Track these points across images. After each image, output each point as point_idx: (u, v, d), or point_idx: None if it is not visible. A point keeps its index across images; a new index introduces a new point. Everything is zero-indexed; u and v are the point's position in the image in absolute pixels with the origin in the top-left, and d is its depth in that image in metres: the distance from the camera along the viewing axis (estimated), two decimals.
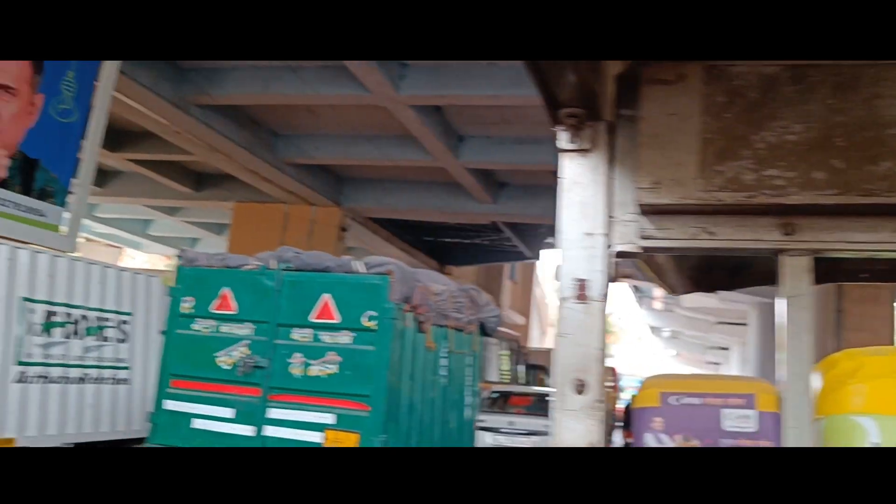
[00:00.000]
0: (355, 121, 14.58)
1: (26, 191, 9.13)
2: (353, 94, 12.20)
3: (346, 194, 19.72)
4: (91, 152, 10.01)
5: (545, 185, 17.88)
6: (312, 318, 6.56)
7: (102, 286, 8.54)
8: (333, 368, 6.41)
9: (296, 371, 6.53)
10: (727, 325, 28.51)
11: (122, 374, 8.66)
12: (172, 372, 6.98)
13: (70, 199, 9.78)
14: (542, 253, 35.12)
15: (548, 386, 20.21)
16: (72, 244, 9.69)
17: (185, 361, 6.95)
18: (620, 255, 2.08)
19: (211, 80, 12.80)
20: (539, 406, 12.68)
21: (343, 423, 6.29)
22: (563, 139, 2.09)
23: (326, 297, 6.55)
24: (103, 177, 20.44)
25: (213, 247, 26.02)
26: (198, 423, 6.73)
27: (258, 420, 6.55)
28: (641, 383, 7.60)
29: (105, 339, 8.44)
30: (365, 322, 6.38)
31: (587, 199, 2.07)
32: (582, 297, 2.01)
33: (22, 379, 7.47)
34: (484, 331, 8.76)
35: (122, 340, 8.69)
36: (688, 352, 47.38)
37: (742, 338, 30.32)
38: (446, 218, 20.80)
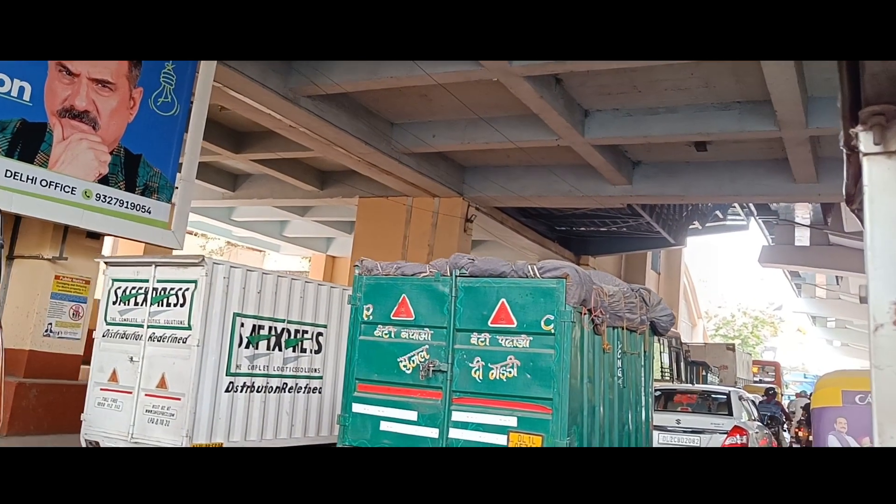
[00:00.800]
0: (471, 102, 14.03)
1: (130, 187, 9.45)
2: (463, 71, 11.78)
3: (468, 183, 19.02)
4: (193, 145, 10.14)
5: (683, 161, 17.14)
6: (490, 323, 6.69)
7: (302, 300, 9.22)
8: (513, 372, 6.51)
9: (476, 375, 6.68)
10: None
11: (315, 383, 9.40)
12: (358, 377, 7.32)
13: (175, 194, 10.08)
14: (688, 239, 33.92)
15: (710, 383, 19.52)
16: (180, 240, 10.07)
17: (370, 366, 7.27)
18: None
19: (317, 70, 12.66)
20: (704, 404, 12.45)
21: (525, 426, 6.38)
22: (866, 141, 1.87)
23: (503, 302, 6.65)
24: (234, 180, 21.86)
25: (345, 245, 26.80)
26: (385, 426, 7.03)
27: (442, 422, 6.75)
28: (818, 381, 7.21)
29: (303, 350, 9.08)
30: (543, 326, 6.44)
31: None
32: None
33: (231, 388, 8.15)
34: (655, 330, 8.60)
35: (318, 351, 9.33)
36: (856, 342, 43.97)
37: None
38: (576, 203, 19.54)
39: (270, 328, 8.66)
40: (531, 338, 6.50)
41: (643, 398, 8.29)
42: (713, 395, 12.62)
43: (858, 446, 6.71)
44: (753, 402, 13.48)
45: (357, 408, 7.23)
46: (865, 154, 1.81)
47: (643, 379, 8.32)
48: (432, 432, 6.78)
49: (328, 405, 9.44)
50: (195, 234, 33.30)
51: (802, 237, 23.20)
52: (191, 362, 8.12)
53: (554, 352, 6.35)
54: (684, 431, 11.04)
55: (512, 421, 6.45)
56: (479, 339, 6.75)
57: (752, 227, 28.17)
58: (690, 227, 26.63)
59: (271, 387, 8.65)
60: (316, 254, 31.42)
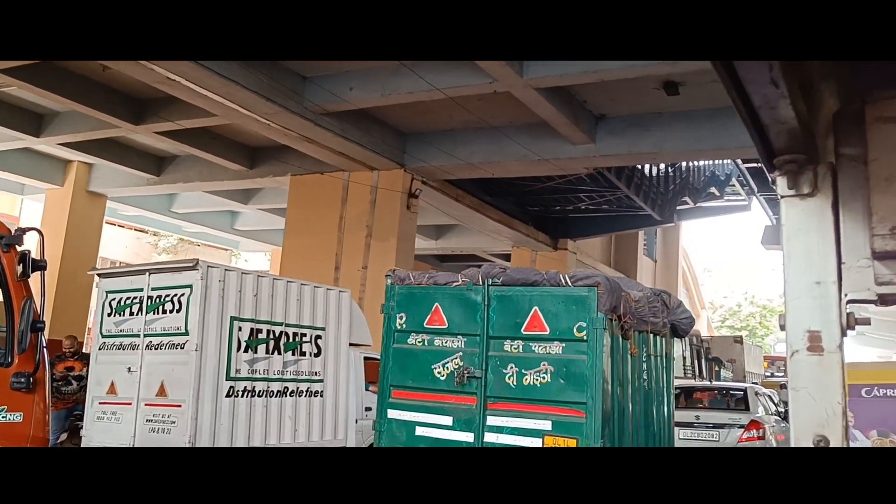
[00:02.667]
0: None
1: None
2: None
3: (410, 152, 16.20)
4: None
5: (654, 112, 14.61)
6: (523, 331, 6.92)
7: (299, 302, 9.24)
8: (547, 377, 6.74)
9: (510, 381, 6.91)
10: None
11: (316, 386, 9.41)
12: (393, 383, 7.54)
13: None
14: (685, 224, 31.54)
15: (724, 379, 19.77)
16: None
17: (404, 373, 7.50)
18: (854, 302, 2.03)
19: None
20: (722, 400, 12.77)
21: (560, 429, 6.62)
22: (781, 185, 2.10)
23: (536, 310, 6.88)
24: (158, 163, 19.72)
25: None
26: (420, 431, 7.26)
27: (477, 427, 6.98)
28: None
29: (303, 353, 9.16)
30: (575, 332, 6.67)
31: (814, 245, 2.02)
32: (815, 348, 1.95)
33: (231, 393, 8.24)
34: (675, 332, 8.84)
35: (317, 354, 9.41)
36: (873, 331, 43.33)
37: None
38: (534, 169, 16.57)
39: (269, 331, 8.69)
40: (564, 344, 6.73)
41: (665, 398, 8.53)
42: (731, 392, 12.91)
43: (864, 440, 6.96)
44: (771, 397, 13.78)
45: (392, 414, 7.46)
46: (783, 197, 2.00)
47: (665, 380, 8.56)
48: (467, 436, 7.02)
49: (330, 408, 9.49)
50: (146, 232, 31.68)
51: None
52: (190, 367, 8.05)
53: (586, 357, 6.59)
54: (703, 427, 11.36)
55: (546, 424, 6.68)
56: (512, 346, 6.97)
57: (754, 207, 27.30)
58: (682, 205, 24.93)
59: (272, 391, 8.66)
60: (276, 248, 27.47)
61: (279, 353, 8.82)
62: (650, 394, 7.94)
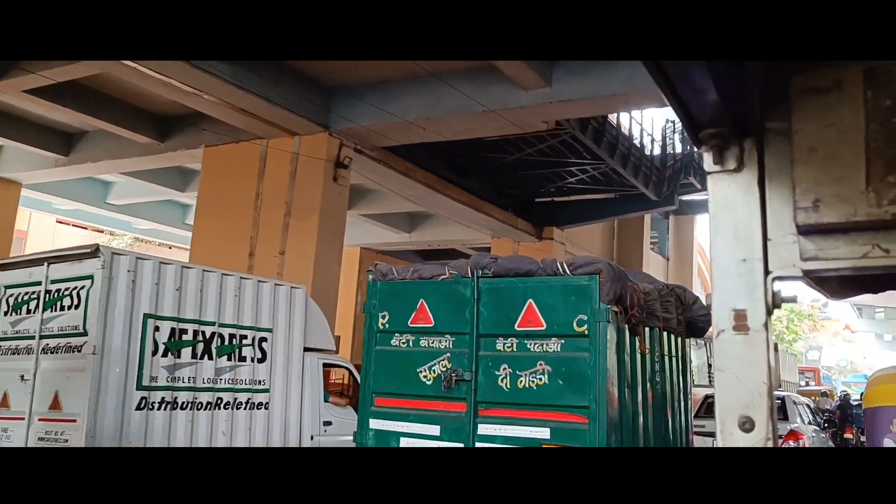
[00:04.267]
0: None
1: None
2: None
3: (337, 111, 13.61)
4: None
5: None
6: (517, 327, 6.14)
7: (238, 299, 8.01)
8: (544, 379, 5.95)
9: (503, 383, 6.12)
10: None
11: (260, 397, 8.11)
12: (375, 390, 6.78)
13: None
14: (690, 209, 28.67)
15: None
16: None
17: (387, 378, 6.73)
18: (780, 280, 1.95)
19: None
20: None
21: (560, 437, 5.80)
22: (707, 161, 1.99)
23: (531, 303, 6.10)
24: (67, 141, 17.42)
25: None
26: (405, 442, 6.48)
27: (467, 436, 6.19)
28: (870, 378, 6.58)
29: (242, 358, 7.94)
30: (575, 327, 5.88)
31: (740, 222, 1.93)
32: (741, 327, 1.87)
33: (144, 405, 7.04)
34: (692, 331, 8.00)
35: (261, 360, 8.18)
36: None
37: None
38: (485, 127, 13.47)
39: (196, 332, 7.42)
40: (563, 341, 5.94)
41: (683, 403, 7.68)
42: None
43: None
44: (809, 406, 13.38)
45: (374, 424, 6.68)
46: (708, 173, 1.93)
47: (682, 383, 7.72)
48: (457, 447, 6.22)
49: (278, 423, 8.28)
50: (102, 232, 28.96)
51: None
52: (87, 375, 6.75)
53: (588, 355, 5.79)
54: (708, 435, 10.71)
55: (544, 432, 5.88)
56: (505, 344, 6.19)
57: None
58: (691, 191, 22.48)
59: (201, 402, 7.42)
60: None
61: (210, 358, 7.51)
62: (664, 399, 7.10)
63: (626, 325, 6.21)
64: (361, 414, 6.81)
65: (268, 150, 14.05)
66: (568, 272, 6.01)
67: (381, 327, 6.83)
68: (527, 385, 6.00)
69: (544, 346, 6.00)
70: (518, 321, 6.14)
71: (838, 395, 25.00)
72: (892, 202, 1.72)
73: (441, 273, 6.64)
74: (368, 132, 13.54)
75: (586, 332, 5.82)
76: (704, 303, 8.08)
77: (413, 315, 6.67)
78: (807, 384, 28.86)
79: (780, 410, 11.74)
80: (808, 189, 1.80)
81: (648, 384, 6.67)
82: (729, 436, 1.78)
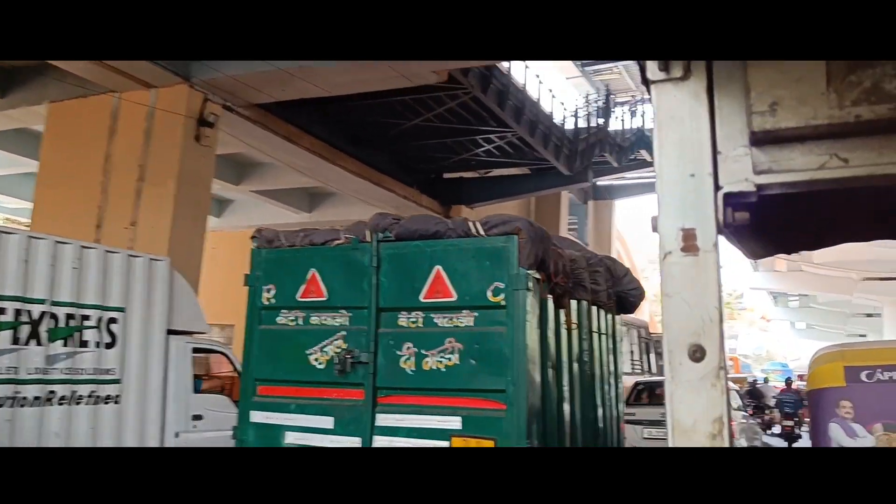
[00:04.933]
0: None
1: None
2: None
3: (200, 60, 11.44)
4: None
5: None
6: (423, 298, 5.20)
7: (77, 272, 6.70)
8: (454, 359, 5.02)
9: (406, 365, 5.17)
10: (879, 280, 23.61)
11: (108, 389, 6.81)
12: (258, 377, 5.74)
13: None
14: (610, 194, 27.19)
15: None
16: None
17: (272, 363, 5.70)
18: (730, 196, 1.74)
19: None
20: None
21: (473, 428, 4.89)
22: (651, 69, 1.78)
23: (438, 270, 5.17)
24: None
25: None
26: (292, 437, 5.46)
27: (365, 429, 5.22)
28: (813, 357, 5.86)
29: (83, 343, 6.65)
30: (490, 297, 4.97)
31: (687, 134, 1.74)
32: (690, 248, 1.67)
33: None
34: (623, 307, 7.22)
35: (110, 345, 6.89)
36: (823, 322, 42.97)
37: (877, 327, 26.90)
38: (367, 79, 11.87)
39: (18, 312, 6.15)
40: (476, 313, 5.03)
41: (614, 388, 6.89)
42: None
43: (867, 436, 5.39)
44: (738, 391, 13.41)
45: (256, 417, 5.64)
46: (653, 82, 1.76)
47: (612, 365, 6.93)
48: (353, 442, 5.25)
49: (133, 420, 7.03)
50: None
51: None
52: None
53: (506, 329, 4.89)
54: (654, 424, 10.27)
55: (455, 422, 4.95)
56: (409, 319, 5.24)
57: None
58: (602, 165, 20.92)
59: (24, 397, 6.14)
60: None
61: (39, 344, 6.25)
62: (593, 382, 6.29)
63: (550, 296, 5.34)
64: (242, 405, 5.76)
65: (120, 104, 11.95)
66: (482, 232, 5.09)
67: (266, 303, 5.79)
68: (434, 366, 5.07)
69: (454, 320, 5.08)
70: (424, 292, 5.20)
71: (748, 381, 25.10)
72: (855, 103, 1.59)
73: (335, 238, 5.64)
74: (237, 84, 11.72)
75: (503, 303, 4.92)
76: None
77: (303, 288, 5.66)
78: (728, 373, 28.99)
79: None
80: (763, 92, 1.67)
81: (576, 365, 5.83)
82: (678, 366, 1.63)
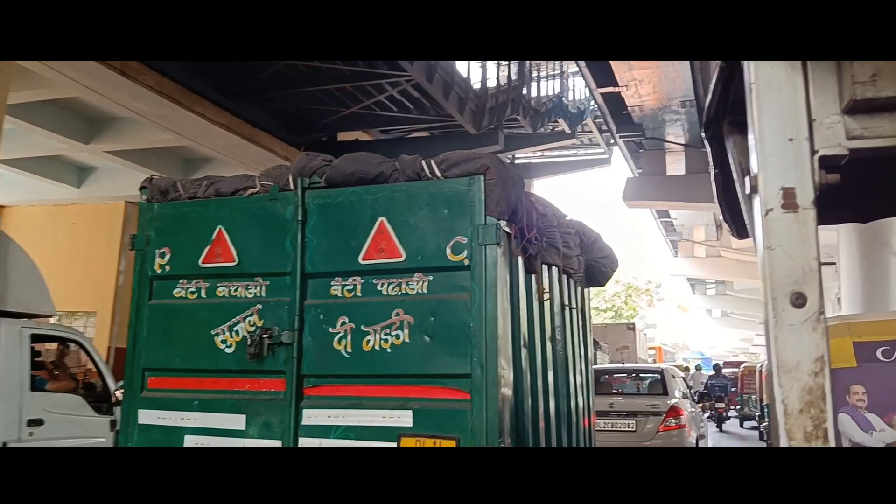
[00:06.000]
0: None
1: None
2: None
3: None
4: None
5: None
6: (362, 260, 4.05)
7: None
8: (403, 336, 3.89)
9: (341, 346, 4.01)
10: None
11: None
12: (148, 366, 4.48)
13: None
14: (527, 172, 24.44)
15: (601, 363, 17.47)
16: None
17: (167, 348, 4.45)
18: (825, 159, 1.85)
19: None
20: (636, 385, 11.19)
21: (428, 425, 3.78)
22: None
23: (382, 223, 4.03)
24: None
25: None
26: (193, 442, 4.24)
27: (286, 430, 4.04)
28: None
29: None
30: (450, 255, 3.86)
31: (785, 102, 1.86)
32: (790, 205, 1.80)
33: None
34: (592, 279, 6.22)
35: None
36: (738, 310, 43.57)
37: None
38: None
39: None
40: (431, 277, 3.92)
41: (584, 374, 5.87)
42: (646, 375, 11.25)
43: (885, 428, 4.38)
44: (684, 379, 12.83)
45: (146, 417, 4.38)
46: None
47: (583, 346, 5.91)
48: (271, 445, 4.06)
49: None
50: None
51: (677, 164, 18.55)
52: None
53: (470, 296, 3.79)
54: (619, 416, 9.47)
55: (404, 417, 3.83)
56: (344, 287, 4.09)
57: (616, 162, 23.21)
58: (514, 128, 18.98)
59: None
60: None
61: None
62: (566, 366, 5.25)
63: (522, 255, 4.25)
64: (127, 403, 4.48)
65: None
66: (437, 173, 3.97)
67: (159, 270, 4.53)
68: (377, 346, 3.93)
69: (403, 286, 3.95)
70: (364, 251, 4.05)
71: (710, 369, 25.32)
72: None
73: (248, 186, 4.42)
74: None
75: (466, 262, 3.82)
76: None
77: (207, 250, 4.43)
78: (653, 361, 28.73)
79: (660, 385, 10.88)
80: (865, 63, 1.80)
81: (549, 345, 4.77)
82: (781, 312, 1.77)
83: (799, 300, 1.77)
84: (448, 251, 3.86)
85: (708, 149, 2.74)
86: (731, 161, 2.49)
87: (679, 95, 14.70)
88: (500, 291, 3.80)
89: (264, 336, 4.11)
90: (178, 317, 4.46)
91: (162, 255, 4.53)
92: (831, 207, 2.80)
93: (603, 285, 6.54)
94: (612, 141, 19.64)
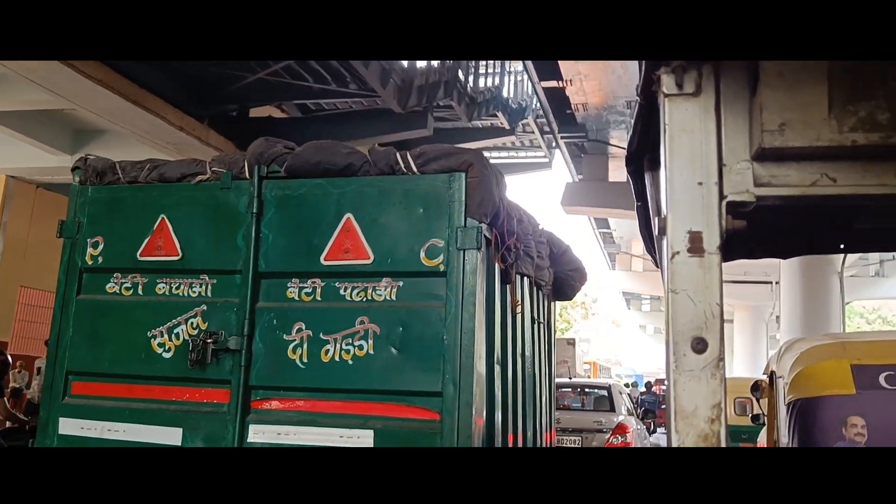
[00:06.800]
0: None
1: None
2: None
3: None
4: None
5: None
6: (324, 260, 3.63)
7: None
8: (367, 347, 3.50)
9: (296, 355, 3.59)
10: (732, 283, 23.88)
11: None
12: (72, 369, 3.96)
13: None
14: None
15: None
16: None
17: (95, 349, 3.94)
18: (733, 205, 1.92)
19: None
20: (583, 400, 11.14)
21: (391, 444, 3.38)
22: (667, 83, 1.90)
23: (349, 220, 3.62)
24: None
25: None
26: None
27: (229, 446, 3.59)
28: (799, 353, 4.52)
29: None
30: (424, 259, 3.48)
31: (697, 146, 1.91)
32: (696, 249, 1.84)
33: None
34: (560, 293, 5.92)
35: None
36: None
37: (750, 300, 27.50)
38: None
39: None
40: (401, 283, 3.53)
41: (547, 392, 5.56)
42: (593, 390, 11.05)
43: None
44: (630, 395, 12.91)
45: (67, 426, 3.87)
46: (667, 95, 1.94)
47: (548, 363, 5.60)
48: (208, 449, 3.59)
49: None
50: None
51: (619, 170, 16.85)
52: None
53: (444, 306, 3.41)
54: (564, 432, 9.26)
55: (365, 438, 3.43)
56: (302, 289, 3.67)
57: (557, 167, 21.80)
58: (450, 126, 17.64)
59: None
60: None
61: None
62: (534, 384, 4.91)
63: (501, 263, 3.90)
64: (46, 409, 3.95)
65: None
66: (414, 168, 3.58)
67: (90, 262, 4.02)
68: (338, 357, 3.52)
69: (370, 291, 3.56)
70: (327, 251, 3.64)
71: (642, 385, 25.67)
72: (852, 129, 1.82)
73: (197, 172, 3.95)
74: None
75: (442, 268, 3.44)
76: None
77: (147, 242, 3.95)
78: (588, 377, 28.84)
79: (607, 401, 10.71)
80: (774, 112, 1.86)
81: (520, 361, 4.42)
82: (682, 357, 1.79)
83: (700, 345, 1.78)
84: (422, 255, 3.48)
85: (630, 183, 2.67)
86: (648, 198, 2.46)
87: (625, 95, 14.01)
88: (478, 302, 3.44)
89: (208, 341, 3.66)
90: (109, 315, 3.96)
91: (94, 245, 4.02)
92: (747, 245, 2.79)
93: (570, 299, 6.25)
94: (554, 144, 18.52)
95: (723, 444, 1.75)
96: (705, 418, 1.74)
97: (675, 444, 1.76)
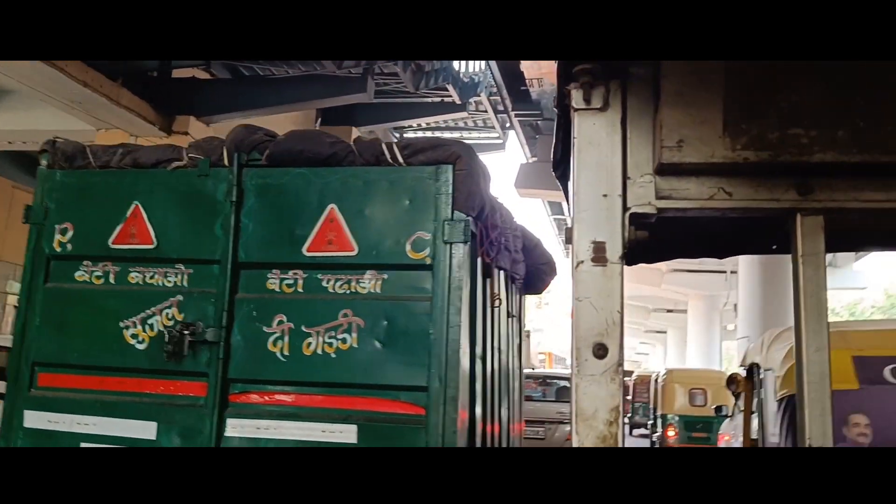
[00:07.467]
0: None
1: None
2: None
3: None
4: None
5: None
6: (307, 251, 3.56)
7: None
8: (350, 340, 3.45)
9: (277, 348, 3.52)
10: (687, 272, 24.60)
11: None
12: (39, 360, 3.82)
13: None
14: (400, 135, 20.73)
15: None
16: None
17: (63, 339, 3.80)
18: (635, 216, 1.98)
19: None
20: (545, 391, 11.06)
21: (374, 443, 3.36)
22: (576, 98, 1.96)
23: (333, 211, 3.56)
24: None
25: None
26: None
27: (205, 441, 3.51)
28: (784, 343, 4.39)
29: None
30: (410, 252, 3.44)
31: (603, 159, 1.98)
32: (599, 259, 1.90)
33: None
34: (530, 286, 5.94)
35: None
36: (627, 317, 45.01)
37: (704, 290, 28.34)
38: None
39: None
40: (386, 275, 3.49)
41: (517, 388, 5.58)
42: (555, 381, 11.09)
43: None
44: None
45: (33, 420, 3.73)
46: (576, 109, 2.00)
47: (518, 358, 5.61)
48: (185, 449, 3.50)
49: None
50: None
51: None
52: None
53: (431, 300, 3.38)
54: (527, 423, 9.28)
55: (348, 433, 3.39)
56: (283, 280, 3.60)
57: (510, 148, 21.76)
58: (395, 96, 15.96)
59: None
60: None
61: None
62: (508, 379, 4.92)
63: (485, 259, 3.88)
64: (10, 402, 3.80)
65: None
66: (400, 159, 3.53)
67: (59, 249, 3.87)
68: (320, 350, 3.47)
69: (354, 284, 3.51)
70: (309, 241, 3.57)
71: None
72: (745, 147, 1.92)
73: (174, 158, 3.83)
74: None
75: (428, 261, 3.41)
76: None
77: (119, 229, 3.82)
78: (544, 367, 29.10)
79: (569, 391, 10.65)
80: (672, 129, 1.94)
81: (497, 355, 4.42)
82: (584, 362, 1.87)
83: (600, 351, 1.84)
84: (408, 247, 3.44)
85: (560, 187, 2.72)
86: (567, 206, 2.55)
87: None
88: (463, 295, 3.42)
89: (185, 332, 3.56)
90: (79, 304, 3.82)
91: (63, 232, 3.87)
92: (651, 251, 2.74)
93: (540, 293, 6.28)
94: (508, 123, 18.18)
95: (619, 445, 1.81)
96: (604, 421, 1.80)
97: (575, 445, 1.80)
